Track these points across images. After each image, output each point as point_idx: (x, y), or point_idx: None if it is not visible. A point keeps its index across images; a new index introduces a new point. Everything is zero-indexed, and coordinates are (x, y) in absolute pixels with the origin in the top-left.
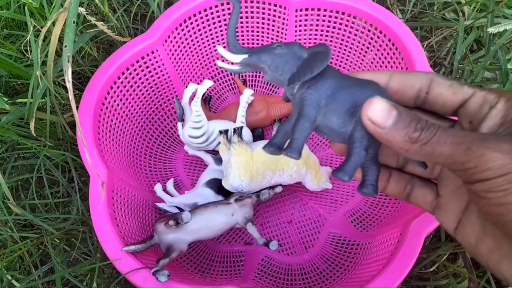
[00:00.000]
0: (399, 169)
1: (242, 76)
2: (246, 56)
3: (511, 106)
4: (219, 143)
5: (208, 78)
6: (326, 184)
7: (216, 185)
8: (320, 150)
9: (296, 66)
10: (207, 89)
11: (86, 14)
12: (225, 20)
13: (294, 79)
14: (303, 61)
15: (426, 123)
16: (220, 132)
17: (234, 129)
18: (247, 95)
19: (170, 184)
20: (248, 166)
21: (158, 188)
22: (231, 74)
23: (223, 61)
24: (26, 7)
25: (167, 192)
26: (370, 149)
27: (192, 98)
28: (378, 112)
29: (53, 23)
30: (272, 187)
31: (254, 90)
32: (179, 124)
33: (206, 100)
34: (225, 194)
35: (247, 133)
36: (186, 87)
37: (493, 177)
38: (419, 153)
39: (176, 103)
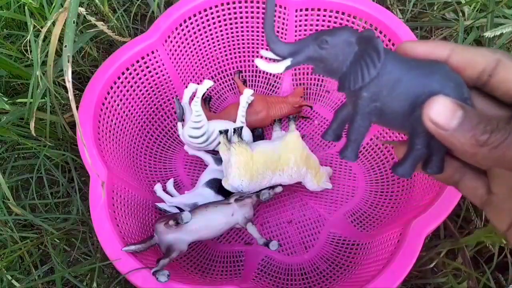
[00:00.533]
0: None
1: (242, 76)
2: (289, 61)
3: None
4: (219, 143)
5: (208, 78)
6: (326, 184)
7: (216, 185)
8: (320, 150)
9: (346, 65)
10: (207, 89)
11: (86, 14)
12: (225, 20)
13: (344, 87)
14: (353, 62)
15: (497, 125)
16: (220, 132)
17: (234, 129)
18: (247, 95)
19: (170, 184)
20: (248, 166)
21: (158, 188)
22: (231, 74)
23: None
24: (26, 7)
25: (167, 192)
26: (433, 141)
27: (192, 98)
28: (441, 112)
29: (53, 23)
30: (272, 187)
31: (254, 90)
32: (179, 124)
33: (206, 100)
34: (225, 194)
35: (247, 133)
36: (186, 87)
37: None
38: (488, 158)
39: (176, 103)
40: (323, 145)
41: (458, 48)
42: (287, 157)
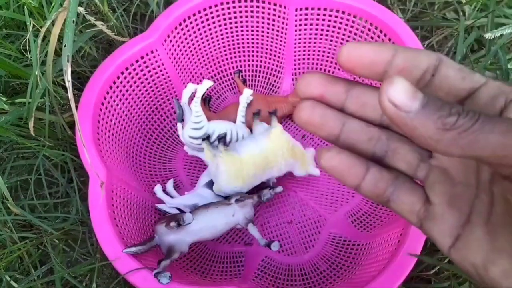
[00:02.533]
0: (378, 162)
1: (242, 76)
2: None
3: None
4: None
5: (208, 78)
6: (313, 170)
7: None
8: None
9: None
10: (207, 89)
11: (86, 13)
12: (225, 19)
13: None
14: None
15: (462, 107)
16: (203, 139)
17: (218, 138)
18: (247, 95)
19: (169, 185)
20: (239, 172)
21: (158, 189)
22: (230, 74)
23: None
24: (25, 7)
25: (166, 193)
26: None
27: (191, 98)
28: (401, 92)
29: (53, 23)
30: (272, 187)
31: (254, 89)
32: (179, 125)
33: (206, 100)
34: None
35: (246, 133)
36: (186, 86)
37: None
38: (455, 144)
39: (176, 103)
40: (323, 144)
41: (401, 48)
42: (275, 154)
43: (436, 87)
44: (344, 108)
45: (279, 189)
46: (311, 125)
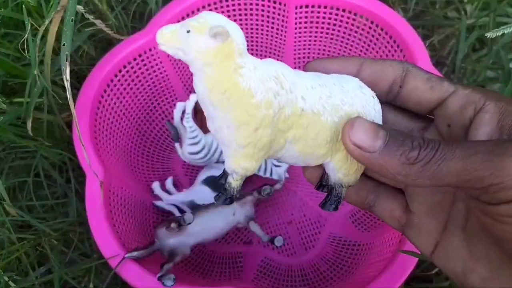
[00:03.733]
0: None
1: None
2: None
3: (505, 108)
4: (221, 152)
5: None
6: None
7: (213, 182)
8: None
9: None
10: (195, 103)
11: (84, 12)
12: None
13: None
14: None
15: (422, 138)
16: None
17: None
18: None
19: (169, 182)
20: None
21: (156, 186)
22: None
23: None
24: (23, 6)
25: (165, 191)
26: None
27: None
28: (362, 134)
29: (51, 22)
30: (271, 184)
31: None
32: (177, 145)
33: (198, 114)
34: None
35: None
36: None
37: None
38: (422, 175)
39: (168, 125)
40: None
41: (367, 62)
42: None
43: (405, 98)
44: None
45: (277, 186)
46: None
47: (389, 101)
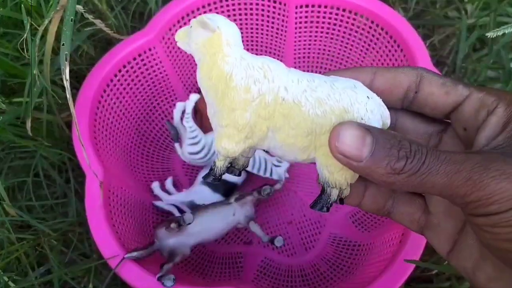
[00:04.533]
0: None
1: None
2: None
3: None
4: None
5: None
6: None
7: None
8: None
9: None
10: (195, 103)
11: (84, 11)
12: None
13: None
14: None
15: (410, 147)
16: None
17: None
18: None
19: (169, 183)
20: None
21: (155, 186)
22: None
23: None
24: (22, 5)
25: (165, 191)
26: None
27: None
28: (349, 143)
29: (50, 21)
30: (271, 184)
31: None
32: (176, 145)
33: (198, 114)
34: (222, 192)
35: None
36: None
37: (500, 211)
38: (407, 185)
39: (168, 125)
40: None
41: (380, 71)
42: None
43: (421, 104)
44: None
45: (277, 185)
46: None
47: (406, 107)
